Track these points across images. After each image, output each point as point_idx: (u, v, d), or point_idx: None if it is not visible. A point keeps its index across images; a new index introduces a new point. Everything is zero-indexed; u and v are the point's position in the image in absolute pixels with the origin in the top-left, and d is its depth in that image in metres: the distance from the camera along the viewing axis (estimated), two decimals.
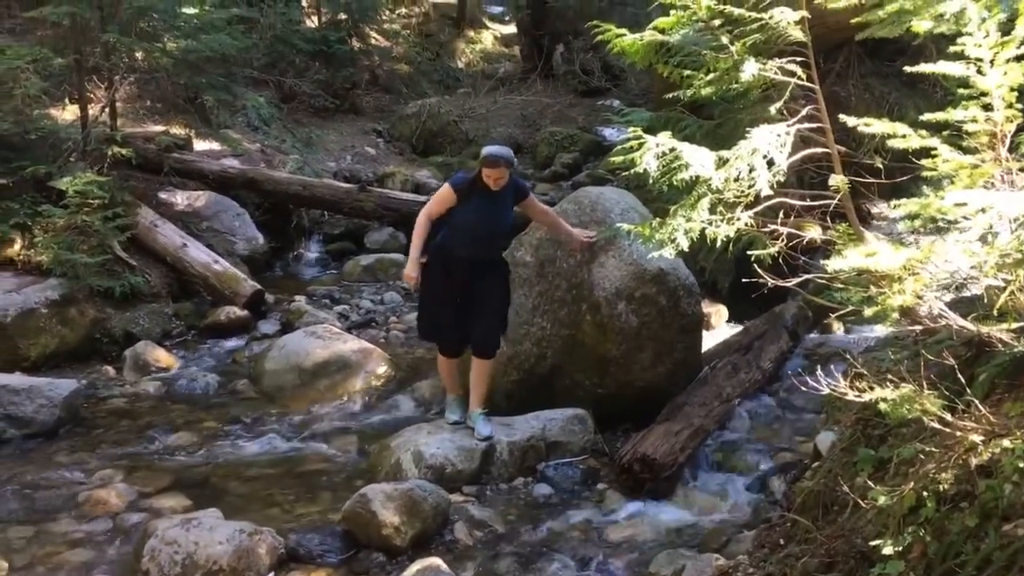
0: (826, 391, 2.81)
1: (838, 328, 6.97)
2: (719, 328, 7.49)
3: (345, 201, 10.25)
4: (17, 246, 7.76)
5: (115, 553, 4.41)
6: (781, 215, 3.04)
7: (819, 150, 3.11)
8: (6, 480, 5.25)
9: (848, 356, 3.77)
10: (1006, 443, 2.56)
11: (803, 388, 3.09)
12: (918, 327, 2.99)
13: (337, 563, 4.30)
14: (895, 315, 2.53)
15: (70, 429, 6.04)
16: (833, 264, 2.49)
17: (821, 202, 3.08)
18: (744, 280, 3.40)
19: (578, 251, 5.53)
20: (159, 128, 11.15)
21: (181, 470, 5.38)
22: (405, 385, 6.74)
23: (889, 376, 2.81)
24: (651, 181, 2.88)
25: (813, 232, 3.16)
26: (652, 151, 2.77)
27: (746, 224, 2.89)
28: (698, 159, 2.79)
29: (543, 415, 5.46)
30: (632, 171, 2.85)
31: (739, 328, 6.98)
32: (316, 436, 5.98)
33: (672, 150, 2.78)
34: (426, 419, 5.91)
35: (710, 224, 2.87)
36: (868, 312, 2.55)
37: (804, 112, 2.97)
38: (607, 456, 5.37)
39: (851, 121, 2.79)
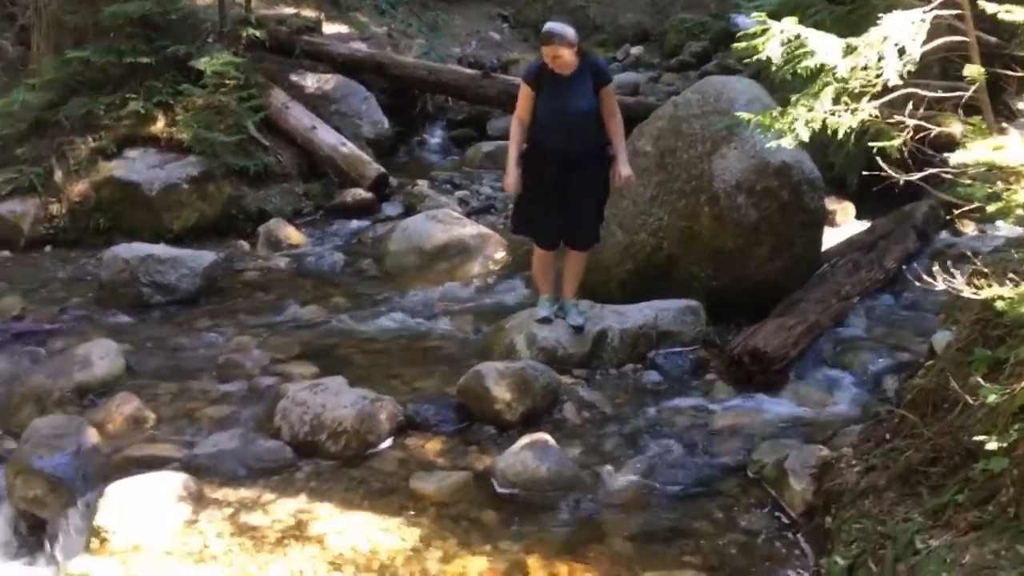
0: (941, 288, 2.78)
1: (970, 229, 6.71)
2: (845, 225, 7.34)
3: (469, 87, 10.30)
4: (160, 123, 8.17)
5: (250, 412, 4.75)
6: (910, 107, 2.95)
7: (958, 38, 2.98)
8: (154, 341, 5.71)
9: (972, 256, 3.67)
10: None
11: (925, 289, 3.06)
12: None
13: (451, 432, 4.54)
14: (1020, 211, 2.46)
15: (209, 298, 6.48)
16: (956, 157, 2.42)
17: (955, 94, 2.96)
18: (865, 174, 3.33)
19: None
20: (291, 10, 11.38)
21: (309, 340, 5.71)
22: (521, 270, 6.89)
23: (1011, 275, 2.75)
24: (774, 69, 2.83)
25: (944, 126, 3.05)
26: (777, 38, 2.71)
27: (870, 115, 2.82)
28: (824, 46, 2.72)
29: (655, 304, 5.52)
30: (755, 58, 2.81)
31: (866, 226, 6.81)
32: (435, 315, 6.23)
33: (797, 37, 2.72)
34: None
35: (832, 114, 2.81)
36: (990, 209, 2.49)
37: None
38: (718, 347, 5.41)
39: (991, 7, 2.65)
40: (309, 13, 11.42)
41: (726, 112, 5.54)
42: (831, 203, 7.28)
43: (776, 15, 3.03)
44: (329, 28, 11.79)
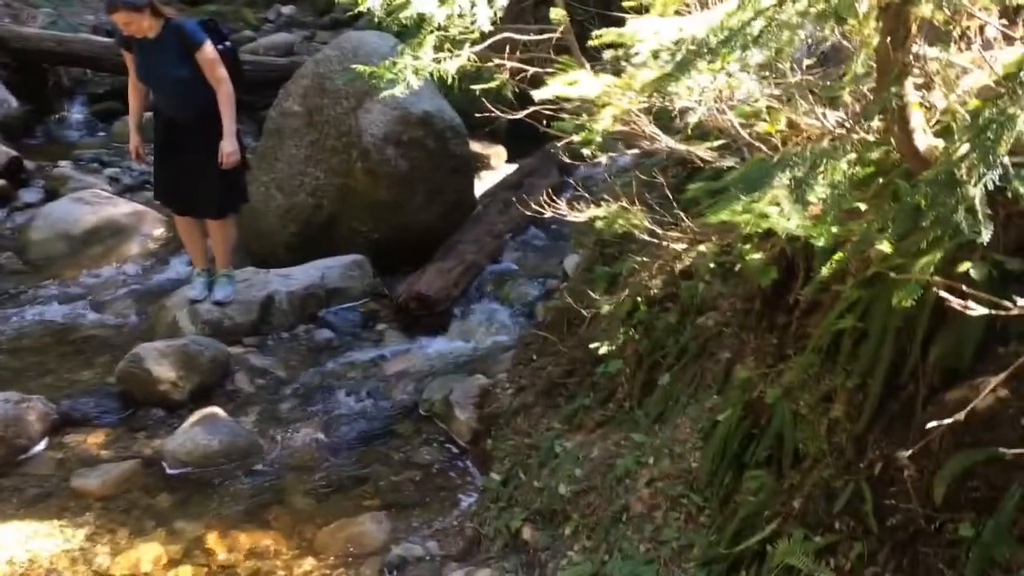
0: (550, 213, 3.05)
1: (604, 160, 7.32)
2: (498, 169, 7.72)
3: (105, 57, 9.55)
4: None
5: None
6: (507, 50, 3.18)
7: None
8: None
9: (590, 184, 4.04)
10: (702, 248, 2.89)
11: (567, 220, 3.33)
12: (637, 150, 3.26)
13: (114, 422, 4.33)
14: (598, 139, 2.75)
15: None
16: (538, 94, 2.66)
17: (546, 36, 3.23)
18: (478, 116, 3.56)
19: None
20: None
21: None
22: (183, 246, 6.62)
23: (606, 196, 3.08)
24: (378, 21, 2.93)
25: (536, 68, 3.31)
26: None
27: (469, 60, 3.00)
28: None
29: (321, 263, 5.55)
30: (356, 10, 2.89)
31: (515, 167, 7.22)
32: (92, 303, 5.81)
33: None
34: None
35: (437, 62, 2.97)
36: (576, 138, 2.76)
37: None
38: (388, 298, 5.56)
39: None
40: None
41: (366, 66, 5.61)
42: (484, 148, 7.67)
43: None
44: None
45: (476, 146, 7.34)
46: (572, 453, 2.99)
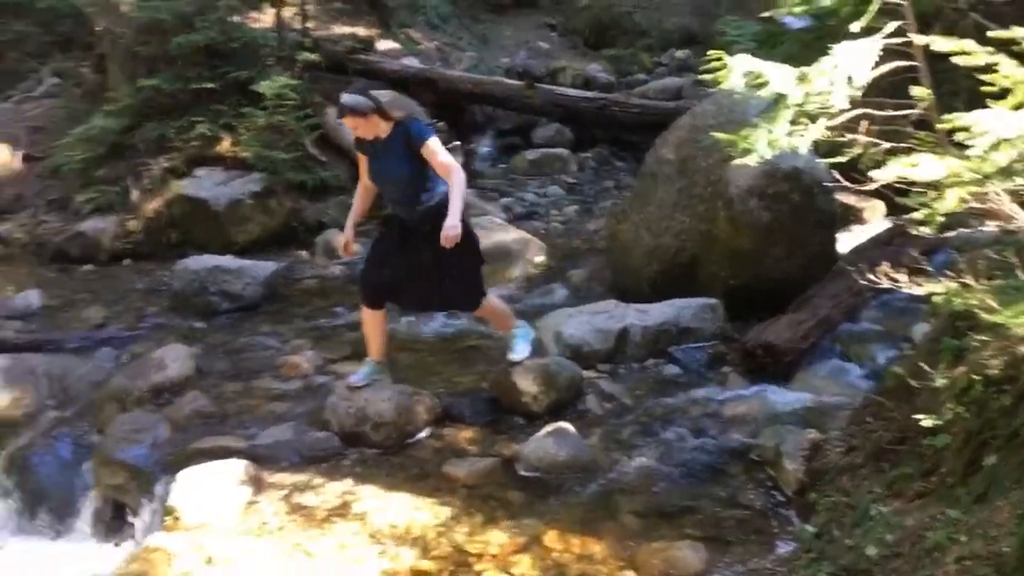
0: (885, 284, 3.14)
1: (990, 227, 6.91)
2: (872, 223, 7.59)
3: (514, 98, 10.77)
4: (226, 144, 8.83)
5: (304, 407, 5.29)
6: (862, 125, 3.30)
7: (906, 63, 3.32)
8: (220, 344, 6.32)
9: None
10: None
11: None
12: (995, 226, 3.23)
13: (483, 423, 5.01)
14: (940, 219, 2.80)
15: (271, 304, 7.09)
16: (877, 174, 2.78)
17: (905, 112, 3.30)
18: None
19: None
20: (347, 29, 11.99)
21: (359, 342, 6.16)
22: (560, 273, 7.36)
23: (947, 271, 3.10)
24: (739, 96, 3.22)
25: (892, 143, 3.38)
26: (737, 71, 3.10)
27: (822, 135, 3.18)
28: (778, 77, 3.10)
29: (677, 303, 5.91)
30: (718, 88, 3.20)
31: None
32: (476, 318, 6.69)
33: (755, 69, 3.10)
34: (574, 304, 6.47)
35: (789, 135, 3.19)
36: (917, 216, 2.83)
37: (890, 28, 3.19)
38: (736, 343, 5.78)
39: (918, 39, 3.00)
40: (362, 31, 12.04)
41: (740, 122, 5.88)
42: (860, 200, 7.58)
43: (761, 43, 3.42)
44: (383, 45, 12.39)
45: (850, 198, 7.30)
46: (887, 518, 3.06)
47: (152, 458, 4.82)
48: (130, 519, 4.71)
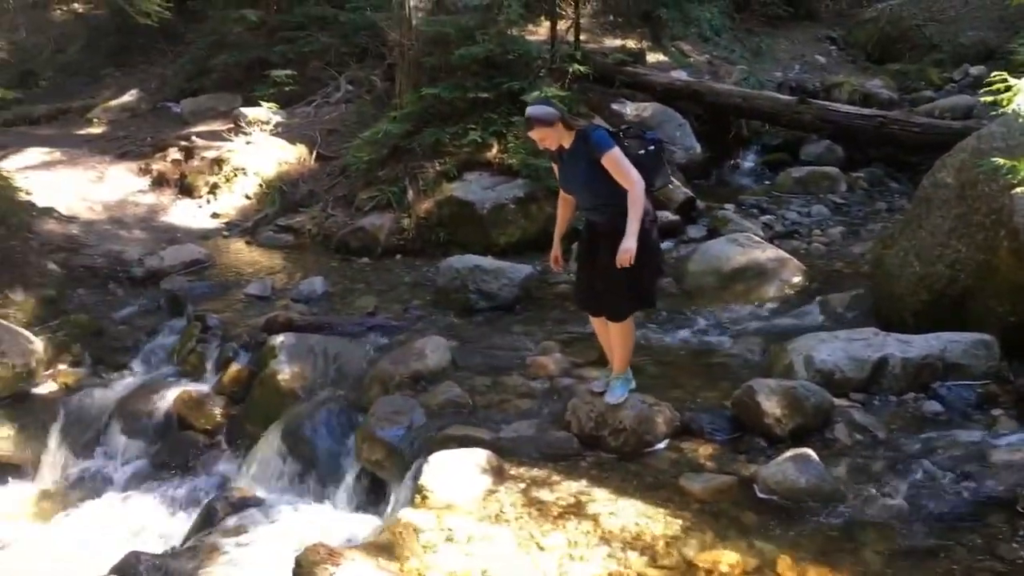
0: None
1: None
2: None
3: (783, 113, 10.49)
4: (494, 150, 9.28)
5: (548, 406, 5.48)
6: None
7: None
8: (476, 340, 6.67)
9: None
10: None
11: None
12: None
13: (723, 440, 4.95)
14: None
15: (524, 306, 7.39)
16: None
17: None
18: None
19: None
20: (618, 42, 12.21)
21: None
22: (816, 296, 7.08)
23: None
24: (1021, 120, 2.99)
25: None
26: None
27: None
28: None
29: (944, 336, 5.53)
30: (1000, 111, 2.99)
31: None
32: (725, 334, 6.63)
33: None
34: (828, 328, 6.22)
35: None
36: None
37: None
38: (1012, 384, 5.31)
39: None
40: (633, 44, 12.19)
41: None
42: None
43: None
44: (653, 58, 12.48)
45: None
46: None
47: (408, 439, 5.20)
48: (386, 492, 5.11)
